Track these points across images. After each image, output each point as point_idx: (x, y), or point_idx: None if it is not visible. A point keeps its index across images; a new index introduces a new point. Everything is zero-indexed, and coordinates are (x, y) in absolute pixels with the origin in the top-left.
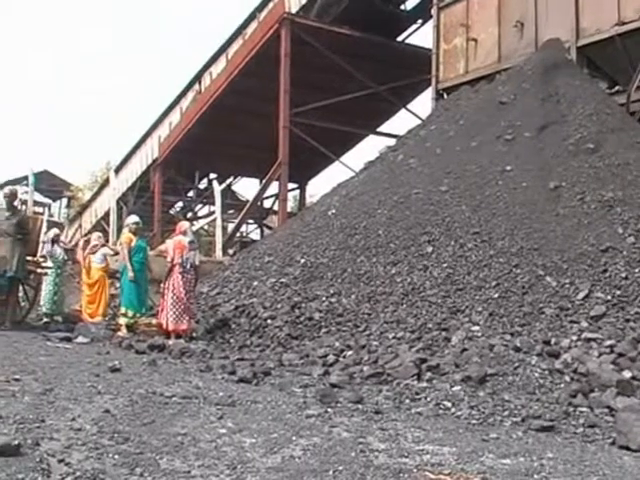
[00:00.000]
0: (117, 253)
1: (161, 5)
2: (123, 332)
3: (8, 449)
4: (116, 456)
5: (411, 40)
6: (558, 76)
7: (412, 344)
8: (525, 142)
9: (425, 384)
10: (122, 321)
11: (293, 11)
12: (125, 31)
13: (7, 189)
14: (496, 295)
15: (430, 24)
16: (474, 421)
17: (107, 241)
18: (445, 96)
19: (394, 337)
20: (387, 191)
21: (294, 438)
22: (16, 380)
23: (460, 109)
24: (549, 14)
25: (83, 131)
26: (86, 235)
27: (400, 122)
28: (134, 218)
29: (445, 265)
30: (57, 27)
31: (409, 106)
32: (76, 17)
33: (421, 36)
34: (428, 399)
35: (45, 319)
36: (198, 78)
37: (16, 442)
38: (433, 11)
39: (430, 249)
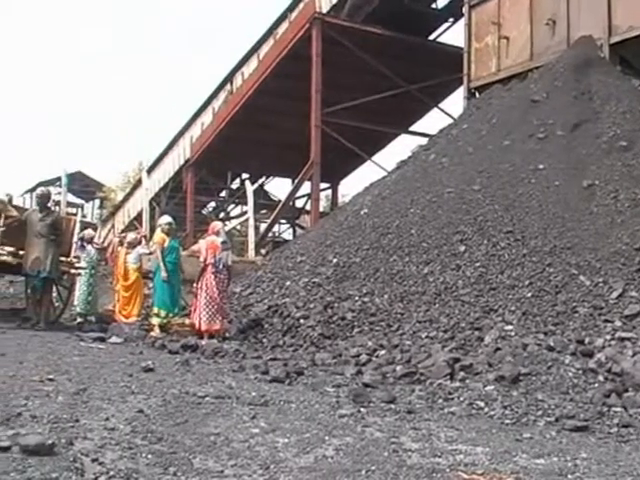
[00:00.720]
0: (151, 253)
1: (161, 5)
2: (156, 332)
3: (42, 448)
4: (149, 456)
5: (442, 39)
6: (590, 74)
7: (445, 343)
8: (558, 140)
9: (458, 384)
10: (155, 321)
11: (324, 11)
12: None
13: (40, 190)
14: (529, 294)
15: (461, 22)
16: (507, 421)
17: (139, 242)
18: (477, 95)
19: (427, 336)
20: (419, 190)
21: (327, 438)
22: (50, 380)
23: (492, 108)
24: (581, 11)
25: (116, 132)
26: (119, 235)
27: (432, 121)
28: (167, 218)
29: (478, 264)
30: (65, 26)
31: (441, 105)
32: (78, 16)
33: (452, 34)
34: (461, 399)
35: (79, 319)
36: (230, 79)
37: (50, 441)
38: (464, 9)
39: (463, 248)
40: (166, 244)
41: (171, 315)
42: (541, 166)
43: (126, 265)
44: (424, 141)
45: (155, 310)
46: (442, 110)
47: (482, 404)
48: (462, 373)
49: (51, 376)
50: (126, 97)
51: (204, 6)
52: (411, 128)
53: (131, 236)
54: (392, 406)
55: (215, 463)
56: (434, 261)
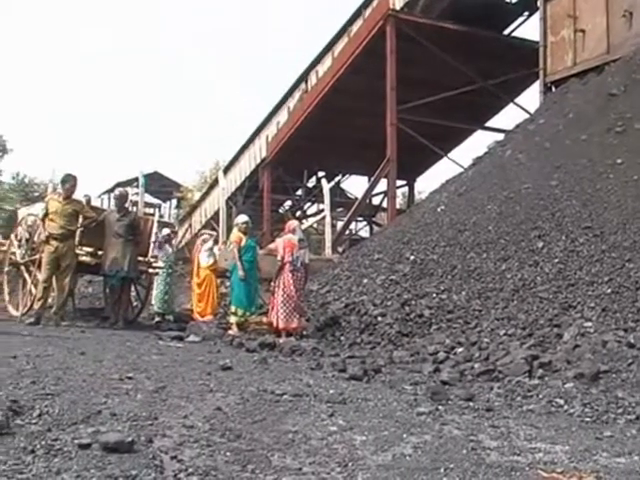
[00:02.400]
0: (217, 241)
1: (161, 5)
2: (234, 331)
3: (122, 446)
4: (228, 453)
5: (517, 33)
6: None
7: (523, 341)
8: (636, 134)
9: (537, 381)
10: (232, 320)
11: (398, 7)
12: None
13: (118, 191)
14: (609, 290)
15: (536, 16)
16: (587, 419)
17: (216, 241)
18: (553, 89)
19: (505, 334)
20: (496, 186)
21: (405, 436)
22: (129, 378)
23: (569, 102)
24: None
25: (192, 131)
26: (196, 235)
27: (508, 117)
28: (244, 218)
29: (556, 260)
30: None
31: (517, 100)
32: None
33: (527, 28)
34: (540, 396)
35: (157, 318)
36: (304, 77)
37: (130, 439)
38: (539, 3)
39: (541, 244)
40: (243, 243)
41: (248, 314)
42: (619, 160)
43: (199, 262)
44: (500, 137)
45: (233, 309)
46: (518, 105)
47: (561, 402)
48: (541, 370)
49: (130, 374)
50: (207, 96)
51: (204, 6)
52: (487, 124)
53: (205, 236)
54: (470, 404)
55: (293, 461)
56: (512, 257)
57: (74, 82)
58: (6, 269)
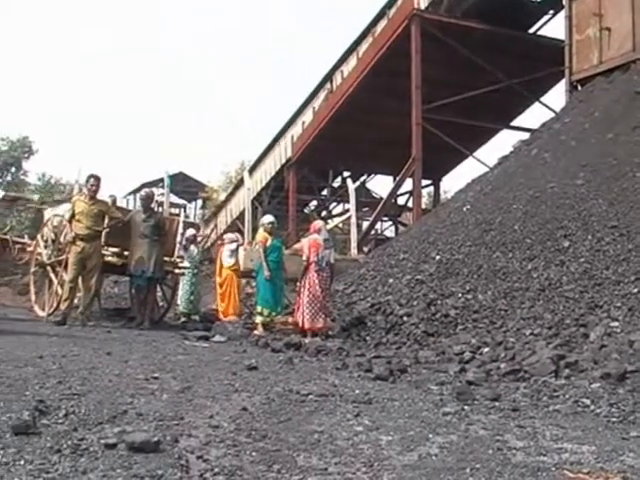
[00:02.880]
0: (241, 244)
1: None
2: (259, 331)
3: (148, 446)
4: (254, 453)
5: (543, 32)
6: None
7: (549, 340)
8: None
9: (563, 381)
10: (258, 320)
11: (422, 7)
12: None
13: (144, 191)
14: (635, 290)
15: (561, 14)
16: (614, 419)
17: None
18: (579, 88)
19: (531, 333)
20: (522, 186)
21: (430, 436)
22: (155, 378)
23: (595, 101)
24: None
25: (217, 132)
26: (221, 235)
27: (534, 116)
28: (269, 218)
29: (582, 260)
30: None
31: (542, 99)
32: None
33: (552, 27)
34: (566, 396)
35: (182, 318)
36: (329, 77)
37: (155, 439)
38: (564, 1)
39: (567, 244)
40: (268, 243)
41: (274, 314)
42: None
43: (221, 262)
44: (526, 136)
45: (258, 309)
46: (544, 104)
47: (588, 402)
48: (567, 370)
49: (156, 374)
50: (227, 96)
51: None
52: (512, 123)
53: (230, 236)
54: (496, 404)
55: (319, 461)
56: (538, 257)
57: (99, 81)
58: (32, 270)
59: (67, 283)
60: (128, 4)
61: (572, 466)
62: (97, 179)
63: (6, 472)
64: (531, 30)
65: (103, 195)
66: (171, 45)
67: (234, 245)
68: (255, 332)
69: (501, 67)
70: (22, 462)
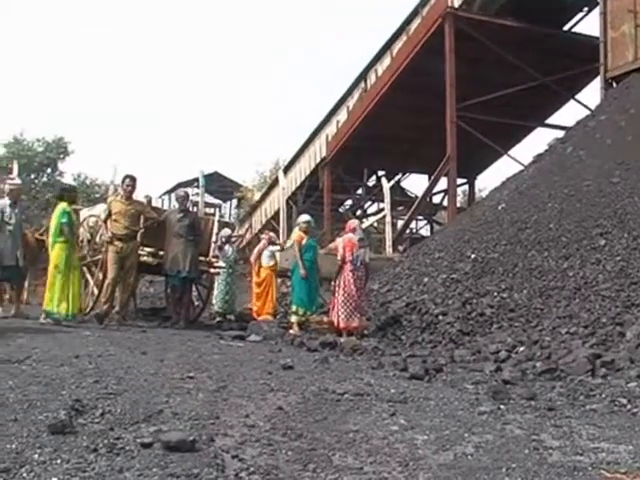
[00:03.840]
0: (283, 249)
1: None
2: (295, 330)
3: (184, 445)
4: (289, 452)
5: (577, 29)
6: None
7: (585, 339)
8: None
9: (599, 380)
10: (293, 319)
11: (456, 5)
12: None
13: (179, 191)
14: None
15: (596, 11)
16: None
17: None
18: (614, 85)
19: (567, 332)
20: (557, 184)
21: (466, 435)
22: (190, 378)
23: (630, 98)
24: None
25: (251, 132)
26: (256, 235)
27: (569, 113)
28: (305, 217)
29: (618, 258)
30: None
31: (577, 96)
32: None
33: (587, 24)
34: (603, 395)
35: (218, 318)
36: (363, 76)
37: (191, 438)
38: None
39: (603, 242)
40: (304, 242)
41: (309, 313)
42: None
43: (260, 262)
44: (561, 134)
45: (293, 308)
46: (578, 102)
47: (624, 401)
48: (603, 369)
49: (191, 374)
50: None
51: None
52: (547, 121)
53: (272, 235)
54: (532, 403)
55: (354, 460)
56: (573, 255)
57: (134, 81)
58: None
59: (106, 283)
60: (163, 3)
61: (609, 466)
62: (133, 179)
63: (43, 471)
64: (565, 27)
65: (138, 195)
66: (207, 43)
67: (277, 247)
68: (290, 331)
69: (535, 65)
70: (59, 461)
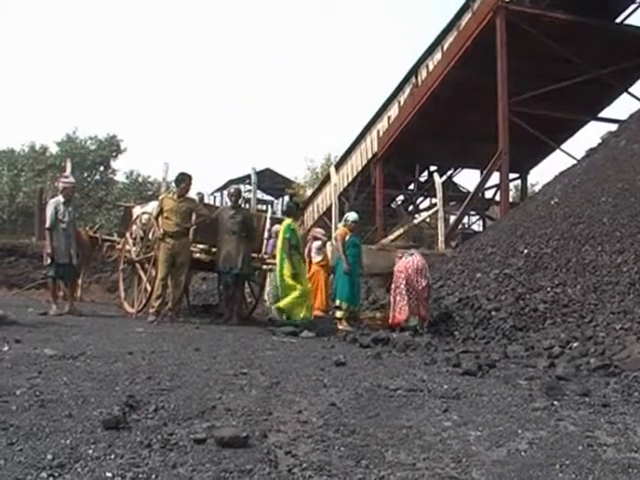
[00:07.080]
0: (325, 244)
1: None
2: (343, 325)
3: (237, 441)
4: (342, 448)
5: (629, 21)
6: None
7: None
8: None
9: None
10: (339, 314)
11: None
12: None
13: (232, 188)
14: None
15: None
16: None
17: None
18: None
19: (621, 328)
20: (610, 178)
21: (519, 431)
22: (244, 374)
23: None
24: None
25: (303, 127)
26: (308, 231)
27: (622, 106)
28: (354, 216)
29: None
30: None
31: (631, 89)
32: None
33: None
34: None
35: (271, 314)
36: (414, 72)
37: (244, 434)
38: None
39: None
40: (347, 238)
41: (352, 307)
42: None
43: (310, 258)
44: (614, 127)
45: (337, 303)
46: (632, 95)
47: None
48: None
49: (244, 370)
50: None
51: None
52: (600, 114)
53: (318, 230)
54: (586, 399)
55: (407, 456)
56: (627, 250)
57: (185, 79)
58: (121, 267)
59: (158, 280)
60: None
61: None
62: (189, 178)
63: (97, 466)
64: (618, 20)
65: (190, 192)
66: (263, 40)
67: (319, 243)
68: (339, 327)
69: (588, 58)
70: (113, 456)
